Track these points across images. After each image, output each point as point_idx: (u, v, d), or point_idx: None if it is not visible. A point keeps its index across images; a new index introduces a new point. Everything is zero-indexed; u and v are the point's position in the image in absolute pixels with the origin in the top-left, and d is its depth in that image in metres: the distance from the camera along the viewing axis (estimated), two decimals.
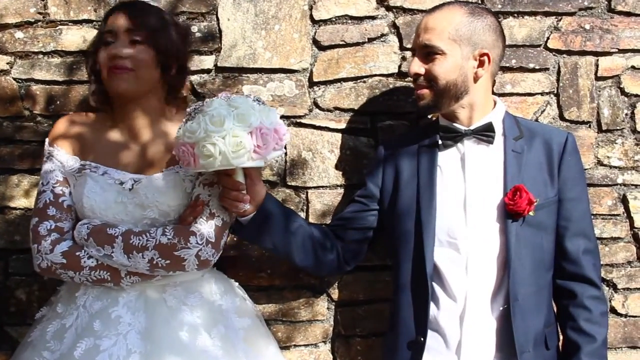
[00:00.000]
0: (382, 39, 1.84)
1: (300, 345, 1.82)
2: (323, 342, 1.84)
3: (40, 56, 1.80)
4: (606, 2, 1.89)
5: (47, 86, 1.80)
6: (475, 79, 1.51)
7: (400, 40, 1.84)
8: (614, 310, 1.89)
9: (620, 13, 1.89)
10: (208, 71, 1.79)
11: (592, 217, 1.83)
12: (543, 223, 1.49)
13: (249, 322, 1.50)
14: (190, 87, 1.78)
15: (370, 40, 1.84)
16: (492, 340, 1.47)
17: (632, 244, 1.90)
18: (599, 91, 1.89)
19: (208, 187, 1.44)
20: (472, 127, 1.53)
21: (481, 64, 1.50)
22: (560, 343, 1.59)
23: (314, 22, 1.82)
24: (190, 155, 1.32)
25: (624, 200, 1.89)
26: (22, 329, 1.80)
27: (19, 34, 1.79)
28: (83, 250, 1.40)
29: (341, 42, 1.82)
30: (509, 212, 1.46)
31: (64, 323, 1.39)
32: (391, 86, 1.85)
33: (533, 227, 1.48)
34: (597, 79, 1.89)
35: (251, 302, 1.60)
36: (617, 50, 1.89)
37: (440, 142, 1.55)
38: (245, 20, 1.80)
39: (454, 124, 1.55)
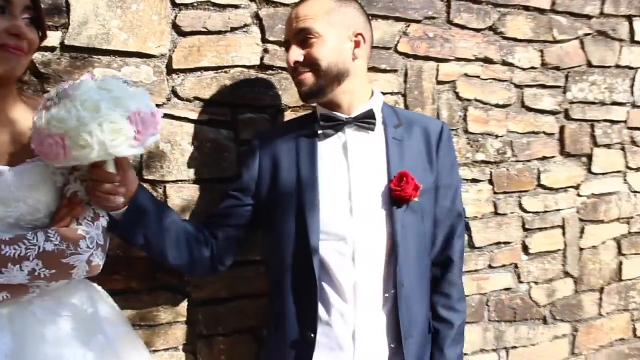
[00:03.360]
0: (244, 29, 1.79)
1: (160, 350, 1.70)
2: (184, 344, 1.74)
3: None
4: (446, 14, 2.08)
5: None
6: (355, 58, 1.50)
7: (263, 31, 1.81)
8: None
9: (457, 25, 2.10)
10: (52, 49, 1.57)
11: None
12: (425, 209, 1.52)
13: (121, 329, 1.35)
14: (32, 67, 1.54)
15: (233, 29, 1.77)
16: (382, 327, 1.47)
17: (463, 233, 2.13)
18: (439, 94, 2.08)
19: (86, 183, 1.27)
20: (352, 115, 1.52)
21: (357, 45, 1.50)
22: None
23: (174, 4, 1.70)
24: (59, 147, 1.13)
25: None
26: None
27: None
28: None
29: (203, 29, 1.73)
30: (395, 199, 1.46)
31: None
32: (253, 78, 1.81)
33: (416, 213, 1.49)
34: (438, 82, 2.08)
35: (118, 308, 1.44)
36: (454, 58, 2.10)
37: (320, 131, 1.52)
38: None
39: (334, 112, 1.53)
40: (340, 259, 1.46)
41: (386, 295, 1.48)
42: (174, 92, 1.72)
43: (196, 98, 1.74)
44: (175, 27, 1.71)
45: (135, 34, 1.66)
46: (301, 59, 1.47)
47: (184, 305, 1.74)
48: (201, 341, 1.77)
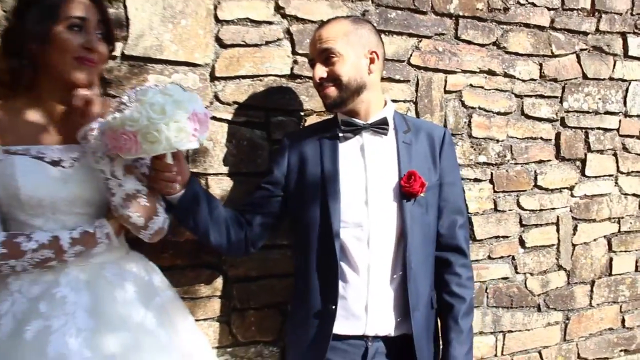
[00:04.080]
0: (277, 43, 2.05)
1: (200, 320, 1.96)
2: (220, 315, 2.01)
3: None
4: (454, 31, 2.33)
5: None
6: (369, 73, 1.74)
7: (293, 45, 2.07)
8: None
9: (464, 41, 2.35)
10: (114, 58, 1.83)
11: None
12: (429, 203, 1.76)
13: (171, 295, 1.62)
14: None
15: (268, 43, 2.03)
16: (390, 302, 1.73)
17: (469, 228, 2.38)
18: (447, 102, 2.33)
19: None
20: (369, 121, 1.77)
21: (372, 61, 1.74)
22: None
23: (217, 21, 1.97)
24: (132, 142, 1.37)
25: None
26: None
27: None
28: (23, 236, 1.38)
29: (242, 43, 1.99)
30: (404, 194, 1.71)
31: None
32: (284, 86, 2.07)
33: (422, 207, 1.74)
34: (446, 92, 2.33)
35: (166, 280, 1.69)
36: (460, 70, 2.35)
37: (341, 135, 1.76)
38: (153, 12, 1.87)
39: (353, 119, 1.77)
40: (357, 243, 1.72)
41: (394, 276, 1.73)
42: (216, 97, 1.98)
43: (235, 102, 2.00)
44: (218, 40, 1.97)
45: (184, 45, 1.92)
46: (325, 75, 1.72)
47: (221, 281, 2.01)
48: (235, 313, 2.03)
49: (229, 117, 1.99)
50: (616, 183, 2.75)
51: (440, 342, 1.83)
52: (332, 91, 1.73)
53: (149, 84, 1.53)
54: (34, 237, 1.39)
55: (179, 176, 1.57)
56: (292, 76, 2.07)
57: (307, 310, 1.74)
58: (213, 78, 1.97)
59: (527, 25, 2.48)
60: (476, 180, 2.41)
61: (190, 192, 1.63)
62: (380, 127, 1.77)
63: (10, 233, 1.40)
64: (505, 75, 2.45)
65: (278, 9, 2.04)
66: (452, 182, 1.84)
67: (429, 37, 2.28)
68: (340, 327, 1.71)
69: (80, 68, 1.45)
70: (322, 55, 1.72)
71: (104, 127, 1.43)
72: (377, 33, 1.81)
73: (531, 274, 2.56)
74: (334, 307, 1.70)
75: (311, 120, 2.10)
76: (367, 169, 1.75)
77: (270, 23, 2.04)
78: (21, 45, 1.44)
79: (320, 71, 1.73)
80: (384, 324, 1.73)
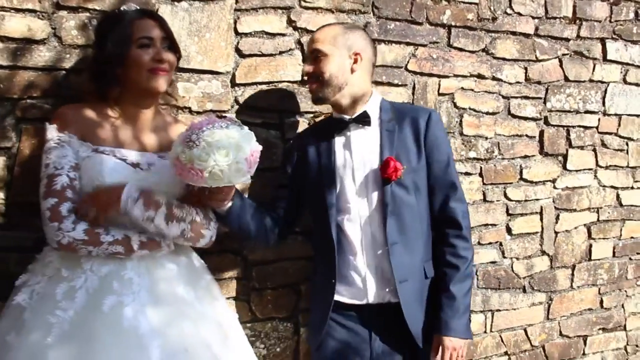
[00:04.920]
0: (289, 53, 2.30)
1: (225, 298, 2.22)
2: (242, 295, 2.27)
3: None
4: (447, 39, 2.59)
5: None
6: (352, 72, 1.95)
7: (304, 54, 2.31)
8: None
9: (455, 48, 2.60)
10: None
11: None
12: (415, 184, 1.94)
13: (209, 278, 1.89)
14: None
15: (281, 52, 2.29)
16: (380, 274, 1.95)
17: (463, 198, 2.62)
18: (440, 104, 2.59)
19: None
20: (353, 116, 1.98)
21: (355, 61, 1.95)
22: None
23: (237, 33, 2.22)
24: (199, 177, 1.60)
25: None
26: None
27: None
28: (101, 228, 1.63)
29: (258, 53, 2.25)
30: (383, 178, 1.92)
31: (73, 285, 1.57)
32: (296, 91, 2.32)
33: (404, 188, 1.92)
34: (439, 94, 2.58)
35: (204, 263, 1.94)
36: (452, 75, 2.60)
37: (334, 131, 2.00)
38: (181, 27, 2.12)
39: (342, 115, 2.00)
40: (351, 226, 1.97)
41: (379, 251, 1.94)
42: (236, 101, 2.23)
43: (253, 106, 2.25)
44: (238, 50, 2.22)
45: (208, 56, 2.17)
46: (311, 70, 1.96)
47: (241, 265, 2.27)
48: (254, 293, 2.30)
49: (248, 119, 2.23)
50: (595, 176, 3.01)
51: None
52: (314, 87, 1.97)
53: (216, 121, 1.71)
54: (111, 231, 1.64)
55: (229, 194, 1.82)
56: (303, 82, 2.31)
57: (317, 284, 2.07)
58: (233, 84, 2.22)
59: (513, 33, 2.73)
60: (467, 173, 2.66)
61: (235, 203, 1.87)
62: (363, 120, 1.98)
63: (90, 225, 1.63)
64: (494, 78, 2.70)
65: (290, 22, 2.29)
66: (439, 159, 1.98)
67: (424, 46, 2.54)
68: (343, 296, 1.98)
69: (154, 78, 1.73)
70: (312, 55, 1.97)
71: (174, 157, 1.64)
72: (368, 38, 2.04)
73: (517, 259, 2.82)
74: (333, 281, 1.96)
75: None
76: (354, 159, 1.97)
77: (283, 35, 2.29)
78: (105, 70, 1.72)
79: (308, 67, 1.98)
80: (378, 293, 1.96)
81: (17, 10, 1.92)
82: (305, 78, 2.01)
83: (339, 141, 2.01)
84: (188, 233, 1.74)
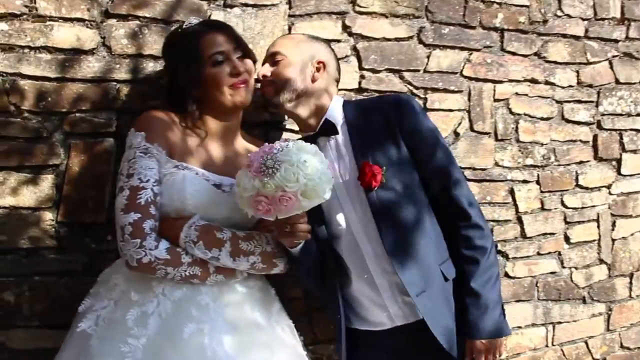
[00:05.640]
0: (345, 60, 2.21)
1: None
2: (302, 314, 2.15)
3: (27, 50, 1.79)
4: (500, 43, 2.50)
5: (37, 82, 1.81)
6: (314, 80, 1.77)
7: (360, 61, 2.22)
8: (506, 275, 2.51)
9: (509, 52, 2.52)
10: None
11: (491, 205, 2.44)
12: (403, 182, 1.71)
13: (279, 305, 1.78)
14: None
15: (338, 59, 2.18)
16: (398, 289, 1.74)
17: (517, 225, 2.53)
18: (496, 110, 2.50)
19: None
20: (317, 130, 1.78)
21: (318, 70, 1.78)
22: None
23: None
24: (293, 202, 1.42)
25: (512, 192, 2.52)
26: (10, 332, 1.80)
27: (2, 26, 1.76)
28: (181, 248, 1.52)
29: None
30: (364, 188, 1.71)
31: (144, 310, 1.47)
32: (353, 98, 2.22)
33: (391, 190, 1.69)
34: (495, 100, 2.49)
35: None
36: (507, 80, 2.52)
37: None
38: None
39: (306, 133, 1.82)
40: (349, 249, 1.78)
41: (387, 267, 1.74)
42: None
43: None
44: None
45: None
46: (269, 74, 1.76)
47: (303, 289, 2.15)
48: (316, 313, 2.18)
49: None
50: None
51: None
52: (269, 90, 1.77)
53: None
54: (189, 252, 1.53)
55: (309, 226, 1.60)
56: (360, 90, 2.23)
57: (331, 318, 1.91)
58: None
59: (564, 36, 2.65)
60: (524, 181, 2.56)
61: (307, 242, 1.66)
62: (328, 130, 1.78)
63: (171, 243, 1.52)
64: (547, 83, 2.61)
65: (345, 28, 2.20)
66: (422, 146, 1.76)
67: (478, 50, 2.45)
68: (363, 326, 1.84)
69: (236, 92, 1.64)
70: (271, 59, 1.79)
71: (252, 195, 1.46)
72: (334, 53, 1.89)
73: (576, 268, 2.71)
74: (339, 316, 1.79)
75: None
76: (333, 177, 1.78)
77: (338, 41, 2.19)
78: (183, 95, 1.63)
79: (265, 69, 1.78)
80: (398, 312, 1.77)
81: (66, 20, 1.84)
82: (259, 83, 1.80)
83: None
84: (258, 265, 1.62)
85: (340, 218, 1.79)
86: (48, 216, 1.82)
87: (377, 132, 1.74)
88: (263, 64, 1.83)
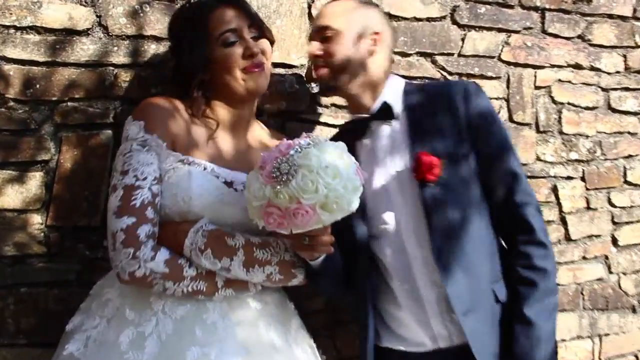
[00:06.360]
0: None
1: None
2: (324, 329, 1.93)
3: (13, 31, 1.60)
4: (540, 25, 2.26)
5: (24, 67, 1.61)
6: (371, 54, 1.55)
7: None
8: None
9: (550, 34, 2.28)
10: None
11: None
12: (462, 178, 1.50)
13: (298, 320, 1.57)
14: None
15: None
16: (446, 305, 1.50)
17: (561, 226, 2.29)
18: (537, 98, 2.25)
19: None
20: (372, 112, 1.57)
21: (374, 42, 1.56)
22: None
23: (311, 19, 1.89)
24: (310, 216, 1.18)
25: (555, 190, 2.28)
26: None
27: None
28: (183, 258, 1.30)
29: None
30: (418, 180, 1.48)
31: (141, 331, 1.26)
32: None
33: (448, 187, 1.48)
34: (536, 88, 2.25)
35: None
36: (549, 65, 2.27)
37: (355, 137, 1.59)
38: None
39: (359, 114, 1.59)
40: (389, 251, 1.55)
41: (435, 279, 1.50)
42: (314, 99, 1.89)
43: (333, 104, 1.92)
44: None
45: (280, 46, 1.84)
46: (320, 52, 1.53)
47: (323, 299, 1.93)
48: (339, 327, 1.96)
49: (329, 120, 1.93)
50: None
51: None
52: (324, 73, 1.54)
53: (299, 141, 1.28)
54: (194, 263, 1.31)
55: (332, 237, 1.37)
56: None
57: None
58: (309, 79, 1.88)
59: (610, 16, 2.40)
60: (569, 178, 2.32)
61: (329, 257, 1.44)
62: (384, 113, 1.56)
63: (172, 253, 1.31)
64: (592, 68, 2.37)
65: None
66: (489, 141, 1.54)
67: (517, 32, 2.21)
68: (394, 344, 1.59)
69: (251, 77, 1.42)
70: (320, 33, 1.55)
71: (262, 205, 1.22)
72: (385, 17, 1.67)
73: (624, 274, 2.46)
74: (367, 332, 1.57)
75: None
76: (382, 166, 1.56)
77: None
78: (188, 80, 1.41)
79: (315, 48, 1.55)
80: (443, 332, 1.53)
81: None
82: (309, 62, 1.58)
83: (361, 149, 1.60)
84: (275, 276, 1.39)
85: (389, 216, 1.54)
86: (36, 219, 1.64)
87: (440, 123, 1.53)
88: (310, 39, 1.59)
